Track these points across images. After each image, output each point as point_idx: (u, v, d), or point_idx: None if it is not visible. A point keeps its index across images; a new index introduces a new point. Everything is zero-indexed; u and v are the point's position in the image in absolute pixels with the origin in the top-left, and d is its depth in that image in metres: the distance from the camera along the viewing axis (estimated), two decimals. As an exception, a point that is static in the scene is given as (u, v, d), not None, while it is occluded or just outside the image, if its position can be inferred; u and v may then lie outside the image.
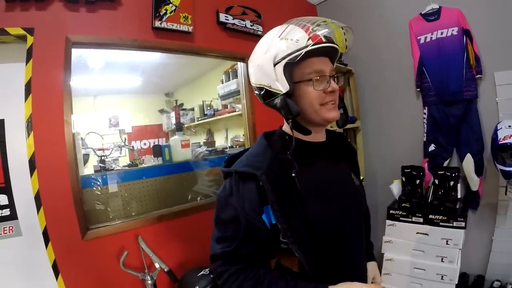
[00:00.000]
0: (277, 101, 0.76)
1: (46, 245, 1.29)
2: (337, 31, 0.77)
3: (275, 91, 0.75)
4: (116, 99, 1.61)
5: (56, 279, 1.30)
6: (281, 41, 0.74)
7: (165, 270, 1.46)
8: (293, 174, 0.74)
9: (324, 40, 0.73)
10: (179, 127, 1.78)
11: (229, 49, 1.90)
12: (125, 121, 1.61)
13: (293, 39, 0.72)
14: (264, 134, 0.87)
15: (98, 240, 1.41)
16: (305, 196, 0.75)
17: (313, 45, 0.71)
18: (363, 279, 0.92)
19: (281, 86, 0.74)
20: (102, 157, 1.47)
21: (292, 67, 0.73)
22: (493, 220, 2.00)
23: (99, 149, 1.47)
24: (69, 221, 1.34)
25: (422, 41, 2.10)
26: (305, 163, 0.79)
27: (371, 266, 1.03)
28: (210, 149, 1.94)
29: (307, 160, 0.81)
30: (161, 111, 1.78)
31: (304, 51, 0.71)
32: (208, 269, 1.46)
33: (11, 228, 1.27)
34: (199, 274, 1.43)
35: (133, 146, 1.57)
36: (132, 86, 1.64)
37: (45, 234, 1.28)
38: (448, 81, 2.00)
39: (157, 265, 1.45)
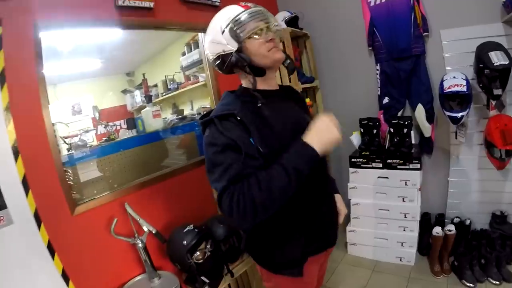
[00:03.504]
0: (233, 59, 0.94)
1: (39, 227, 1.31)
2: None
3: (228, 52, 0.93)
4: (77, 85, 1.59)
5: (53, 259, 1.33)
6: (222, 19, 0.93)
7: (153, 232, 1.55)
8: (259, 104, 0.93)
9: (252, 7, 0.94)
10: (149, 99, 1.87)
11: (190, 21, 1.95)
12: (88, 107, 1.63)
13: (230, 15, 0.93)
14: (228, 91, 1.04)
15: (88, 214, 1.45)
16: (274, 125, 0.92)
17: (243, 12, 0.92)
18: (329, 196, 1.12)
19: (231, 46, 0.92)
20: (72, 144, 1.49)
21: (237, 31, 0.91)
22: (448, 162, 2.25)
23: (66, 137, 1.49)
24: (58, 200, 1.37)
25: (372, 3, 2.25)
26: (266, 104, 0.95)
27: (337, 198, 1.19)
28: (180, 116, 2.05)
29: (267, 102, 0.96)
30: (124, 91, 1.82)
31: (240, 15, 0.91)
32: (193, 225, 1.56)
33: (1, 218, 1.22)
34: (185, 230, 1.54)
35: (107, 122, 1.63)
36: (92, 70, 1.62)
37: (37, 216, 1.31)
38: (397, 39, 2.17)
39: (145, 228, 1.54)
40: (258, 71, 0.97)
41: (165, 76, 2.07)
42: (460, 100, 1.93)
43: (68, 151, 1.48)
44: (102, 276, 1.50)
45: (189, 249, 1.49)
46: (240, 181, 0.81)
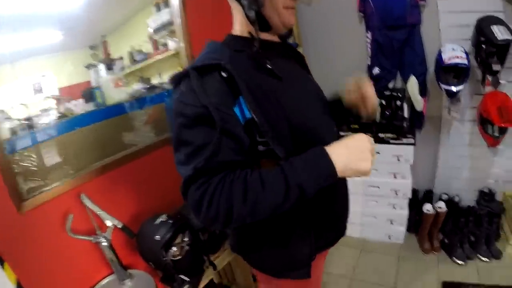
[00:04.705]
0: None
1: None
2: None
3: None
4: (37, 61, 1.34)
5: (3, 268, 1.06)
6: None
7: (119, 226, 1.30)
8: (268, 66, 0.72)
9: None
10: (110, 65, 1.57)
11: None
12: (50, 84, 1.37)
13: None
14: (213, 41, 0.78)
15: (38, 210, 1.19)
16: (278, 87, 0.72)
17: None
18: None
19: None
20: (29, 125, 1.25)
21: None
22: (438, 138, 2.18)
23: (25, 119, 1.26)
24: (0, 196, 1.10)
25: (366, -35, 2.02)
26: (269, 59, 0.74)
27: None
28: (147, 86, 1.74)
29: (270, 56, 0.76)
30: (88, 66, 1.55)
31: None
32: (166, 215, 1.34)
33: None
34: (156, 222, 1.30)
35: (59, 95, 1.34)
36: (52, 43, 1.36)
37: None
38: (392, 7, 1.97)
39: (108, 223, 1.29)
40: (265, 24, 0.74)
41: (131, 46, 1.78)
42: (456, 73, 1.82)
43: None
44: (64, 283, 1.27)
45: (163, 244, 1.26)
46: (214, 171, 0.61)
